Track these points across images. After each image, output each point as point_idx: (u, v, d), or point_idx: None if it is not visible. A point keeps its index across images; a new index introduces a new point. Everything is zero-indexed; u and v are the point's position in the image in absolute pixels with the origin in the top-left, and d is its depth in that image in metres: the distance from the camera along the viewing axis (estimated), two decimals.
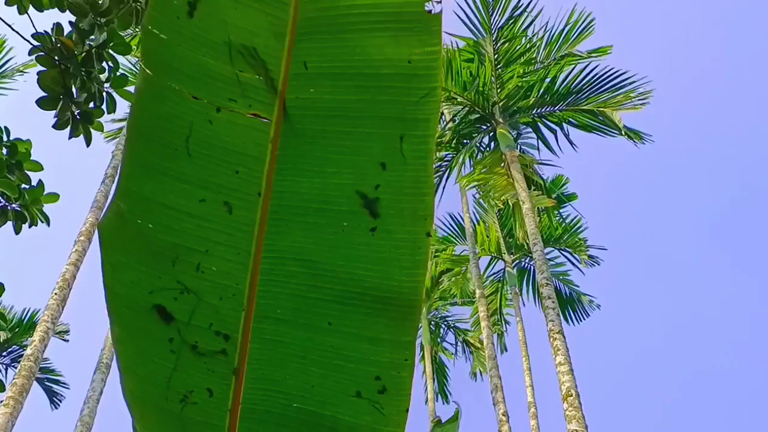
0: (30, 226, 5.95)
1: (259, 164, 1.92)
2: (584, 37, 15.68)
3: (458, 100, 15.65)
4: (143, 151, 1.91)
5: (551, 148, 15.81)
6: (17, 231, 5.87)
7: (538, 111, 15.79)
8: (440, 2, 1.86)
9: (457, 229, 19.52)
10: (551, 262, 19.19)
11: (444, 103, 15.79)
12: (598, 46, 15.87)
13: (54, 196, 5.98)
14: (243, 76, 1.87)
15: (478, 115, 15.83)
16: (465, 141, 16.15)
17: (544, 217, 18.46)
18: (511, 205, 15.84)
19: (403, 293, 1.97)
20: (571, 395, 9.47)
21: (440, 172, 16.29)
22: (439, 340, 22.47)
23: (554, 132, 15.67)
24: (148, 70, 1.85)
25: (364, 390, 2.00)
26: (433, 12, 1.85)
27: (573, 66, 15.63)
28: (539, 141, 15.94)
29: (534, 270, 19.24)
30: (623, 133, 14.92)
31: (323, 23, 1.87)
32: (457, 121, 15.86)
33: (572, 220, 18.63)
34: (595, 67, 15.34)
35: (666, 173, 46.05)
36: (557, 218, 18.79)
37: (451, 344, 22.65)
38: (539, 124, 15.89)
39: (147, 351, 2.00)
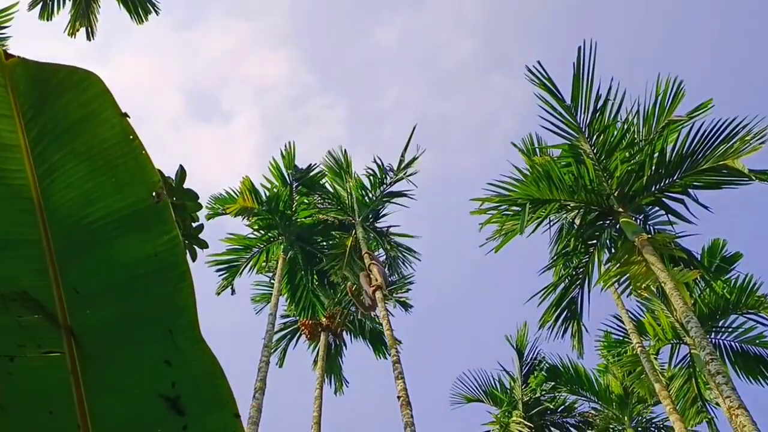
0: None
1: (67, 397, 1.94)
2: (678, 101, 15.04)
3: (571, 205, 15.28)
4: None
5: (684, 218, 14.93)
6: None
7: (658, 187, 15.06)
8: (162, 191, 1.89)
9: (627, 329, 18.48)
10: (739, 330, 17.61)
11: (555, 214, 15.53)
12: (697, 103, 15.23)
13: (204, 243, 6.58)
14: (24, 321, 1.94)
15: (597, 212, 15.34)
16: (593, 242, 15.59)
17: (718, 285, 17.13)
18: (660, 289, 14.93)
19: None
20: None
21: (578, 282, 15.70)
22: None
23: (681, 201, 14.87)
24: None
25: None
26: (159, 202, 1.90)
27: (678, 132, 15.03)
28: (669, 216, 15.17)
29: (724, 344, 17.71)
30: (753, 178, 13.93)
31: (73, 244, 1.94)
32: (576, 227, 15.42)
33: (744, 280, 17.21)
34: (702, 124, 14.66)
35: None
36: (728, 284, 17.42)
37: None
38: (663, 199, 15.16)
39: None
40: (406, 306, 21.52)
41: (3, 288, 1.94)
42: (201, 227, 6.54)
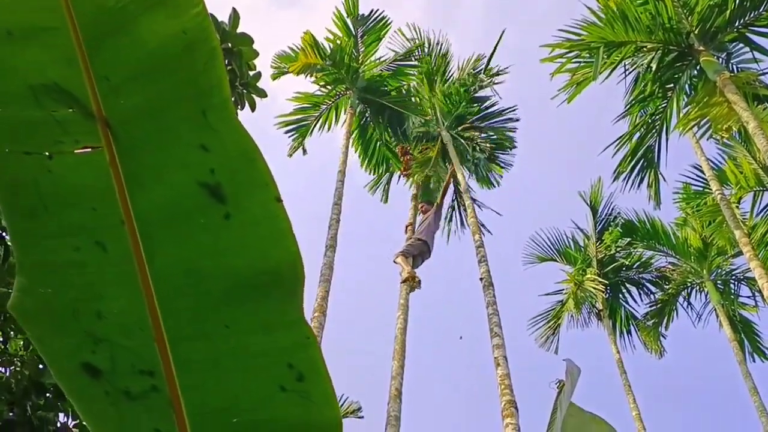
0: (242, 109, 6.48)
1: (109, 193, 1.86)
2: None
3: (648, 47, 14.48)
4: (12, 222, 1.94)
5: None
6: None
7: (742, 21, 14.12)
8: None
9: (707, 178, 17.88)
10: None
11: (631, 58, 14.77)
12: None
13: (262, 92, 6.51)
14: (58, 115, 1.83)
15: (676, 53, 14.53)
16: (671, 85, 14.86)
17: None
18: (742, 133, 14.23)
19: (281, 269, 1.85)
20: None
21: (655, 129, 15.10)
22: (732, 297, 20.49)
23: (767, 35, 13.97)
24: None
25: (285, 382, 1.86)
26: None
27: None
28: (753, 53, 14.28)
29: None
30: None
31: (100, 28, 1.80)
32: (653, 69, 14.67)
33: None
34: None
35: None
36: None
37: (748, 297, 20.56)
38: (747, 34, 14.25)
39: (95, 411, 1.99)
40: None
41: (32, 80, 1.82)
42: (258, 75, 6.35)
